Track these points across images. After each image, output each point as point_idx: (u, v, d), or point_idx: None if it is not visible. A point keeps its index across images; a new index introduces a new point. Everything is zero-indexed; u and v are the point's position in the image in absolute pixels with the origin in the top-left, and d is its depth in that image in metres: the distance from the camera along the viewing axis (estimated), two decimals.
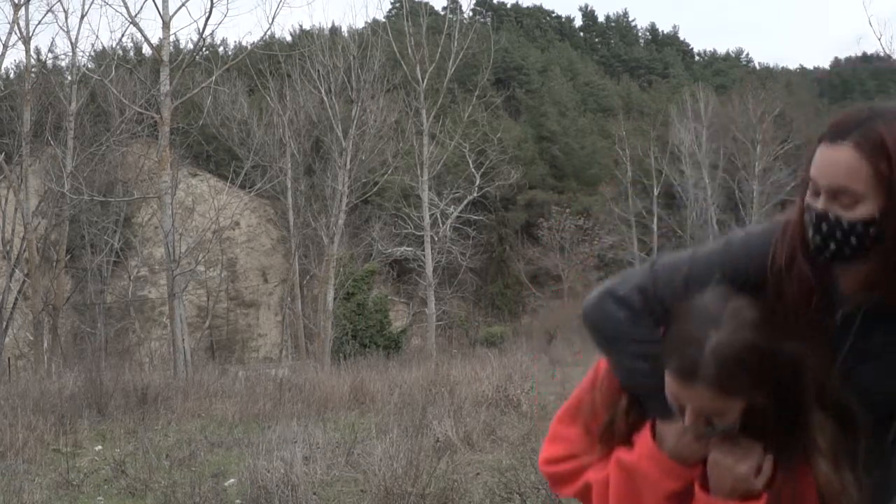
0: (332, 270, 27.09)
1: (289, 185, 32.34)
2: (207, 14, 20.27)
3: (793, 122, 41.63)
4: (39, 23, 33.01)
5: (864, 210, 1.49)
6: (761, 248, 1.61)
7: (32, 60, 25.77)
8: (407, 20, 30.88)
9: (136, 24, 20.52)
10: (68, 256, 27.27)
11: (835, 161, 1.50)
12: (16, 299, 24.82)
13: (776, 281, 1.58)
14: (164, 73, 19.44)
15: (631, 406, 1.69)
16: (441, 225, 31.61)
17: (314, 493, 6.25)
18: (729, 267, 1.61)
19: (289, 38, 42.86)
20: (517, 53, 54.72)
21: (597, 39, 75.65)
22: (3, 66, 39.48)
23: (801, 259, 1.56)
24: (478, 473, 7.07)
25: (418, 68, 29.94)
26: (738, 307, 1.52)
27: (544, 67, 55.32)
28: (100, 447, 9.07)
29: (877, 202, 1.48)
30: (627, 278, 1.71)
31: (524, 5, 72.39)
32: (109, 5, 26.59)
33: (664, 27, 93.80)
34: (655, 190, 39.20)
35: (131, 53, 36.29)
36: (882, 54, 32.82)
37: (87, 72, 24.75)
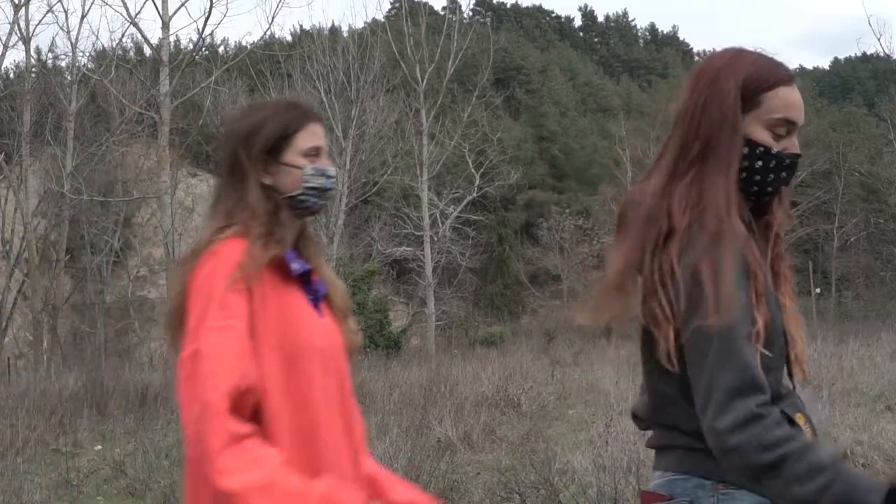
0: (332, 270, 27.04)
1: None
2: (207, 14, 20.29)
3: None
4: (39, 23, 32.90)
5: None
6: None
7: (32, 60, 25.78)
8: (406, 20, 30.87)
9: (135, 25, 20.56)
10: (68, 256, 27.27)
11: (800, 101, 1.64)
12: (15, 299, 24.84)
13: None
14: (164, 74, 19.44)
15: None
16: (441, 225, 31.61)
17: None
18: None
19: (289, 38, 42.86)
20: (517, 53, 54.72)
21: (596, 39, 75.70)
22: (3, 66, 39.47)
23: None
24: (478, 473, 7.07)
25: (418, 68, 29.93)
26: None
27: (544, 67, 55.34)
28: (99, 447, 9.08)
29: None
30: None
31: (524, 5, 72.49)
32: (109, 5, 26.55)
33: (664, 27, 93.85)
34: None
35: (131, 53, 36.24)
36: (882, 54, 32.88)
37: (87, 72, 24.76)
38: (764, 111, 1.62)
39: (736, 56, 1.66)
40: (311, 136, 1.78)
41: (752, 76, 1.62)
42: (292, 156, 1.76)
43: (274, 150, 1.75)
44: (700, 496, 1.55)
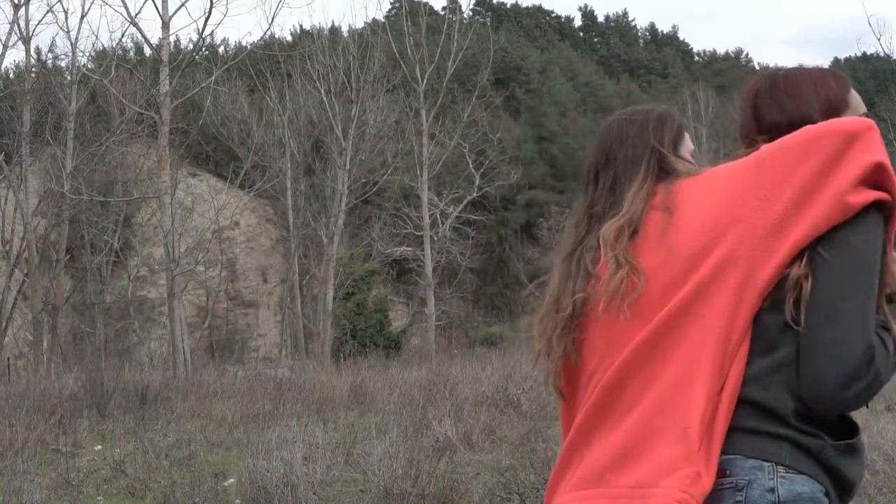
0: (332, 270, 27.09)
1: (288, 185, 32.34)
2: (207, 14, 20.31)
3: None
4: (39, 23, 32.91)
5: None
6: None
7: (32, 60, 25.79)
8: (406, 20, 30.88)
9: (135, 25, 20.57)
10: (68, 256, 27.28)
11: None
12: (15, 299, 24.85)
13: None
14: (164, 74, 19.46)
15: None
16: (441, 225, 31.60)
17: (314, 493, 6.25)
18: None
19: (289, 38, 42.86)
20: (517, 53, 54.69)
21: (596, 39, 75.61)
22: (3, 66, 39.47)
23: None
24: (478, 473, 7.07)
25: (418, 68, 29.94)
26: None
27: (544, 67, 55.28)
28: (99, 447, 9.07)
29: None
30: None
31: (524, 5, 72.38)
32: (109, 5, 26.62)
33: (664, 27, 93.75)
34: None
35: (131, 53, 36.26)
36: (882, 54, 32.87)
37: (86, 72, 24.77)
38: (853, 109, 1.82)
39: (815, 68, 1.90)
40: (689, 139, 2.02)
41: (838, 79, 1.85)
42: (685, 152, 1.96)
43: (676, 144, 1.94)
44: (758, 477, 1.54)
